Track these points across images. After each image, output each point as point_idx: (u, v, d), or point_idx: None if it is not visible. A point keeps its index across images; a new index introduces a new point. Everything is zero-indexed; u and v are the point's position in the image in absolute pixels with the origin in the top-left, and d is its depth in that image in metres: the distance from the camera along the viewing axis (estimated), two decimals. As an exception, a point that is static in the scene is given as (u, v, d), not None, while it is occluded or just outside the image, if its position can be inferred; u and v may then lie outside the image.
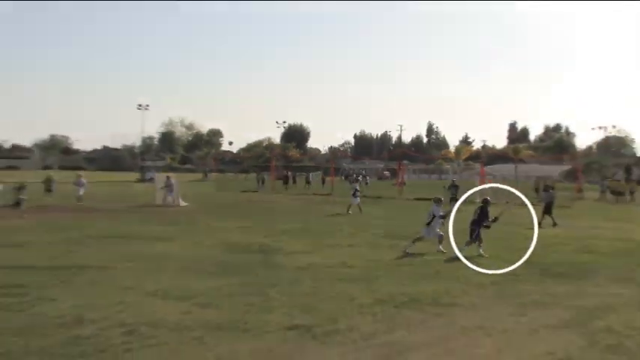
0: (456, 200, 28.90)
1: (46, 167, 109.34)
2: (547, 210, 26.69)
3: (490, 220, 17.25)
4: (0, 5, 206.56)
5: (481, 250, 16.83)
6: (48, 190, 38.92)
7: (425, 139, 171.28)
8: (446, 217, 19.31)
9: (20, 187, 30.41)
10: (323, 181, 64.70)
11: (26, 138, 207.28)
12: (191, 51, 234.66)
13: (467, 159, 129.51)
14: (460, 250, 16.81)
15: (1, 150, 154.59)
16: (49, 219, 25.46)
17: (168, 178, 36.54)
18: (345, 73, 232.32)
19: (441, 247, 17.52)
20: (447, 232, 19.42)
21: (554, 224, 25.49)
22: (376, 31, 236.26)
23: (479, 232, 17.10)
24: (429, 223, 17.86)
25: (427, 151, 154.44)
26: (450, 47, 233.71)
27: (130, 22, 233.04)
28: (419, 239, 17.68)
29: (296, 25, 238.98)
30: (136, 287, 11.77)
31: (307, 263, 14.88)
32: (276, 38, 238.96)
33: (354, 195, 31.16)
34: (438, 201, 18.34)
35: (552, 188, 31.09)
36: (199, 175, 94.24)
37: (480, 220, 17.26)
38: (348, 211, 30.24)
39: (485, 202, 17.67)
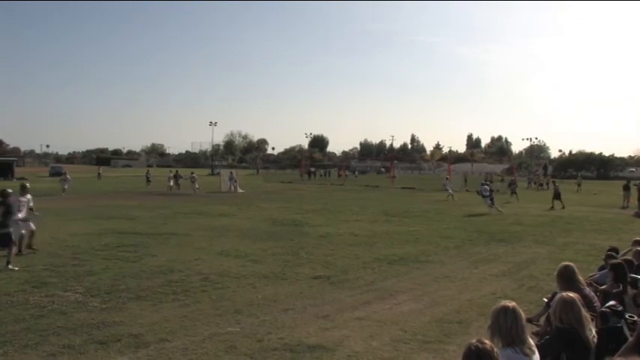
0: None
1: (149, 166, 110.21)
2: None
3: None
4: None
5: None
6: (147, 180, 39.47)
7: (409, 146, 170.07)
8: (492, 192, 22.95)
9: (191, 178, 32.51)
10: (339, 175, 65.49)
11: (137, 145, 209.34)
12: (245, 81, 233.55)
13: (438, 160, 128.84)
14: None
15: (121, 154, 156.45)
16: (149, 200, 25.79)
17: (231, 172, 36.75)
18: (354, 99, 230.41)
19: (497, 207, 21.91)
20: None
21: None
22: (373, 68, 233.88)
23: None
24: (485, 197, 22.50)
25: (411, 154, 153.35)
26: (428, 80, 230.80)
27: (206, 65, 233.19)
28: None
29: (320, 68, 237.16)
30: (208, 248, 11.94)
31: (326, 232, 14.94)
32: (304, 76, 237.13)
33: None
34: (483, 184, 23.91)
35: (491, 182, 31.24)
36: (252, 171, 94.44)
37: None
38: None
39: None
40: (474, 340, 2.75)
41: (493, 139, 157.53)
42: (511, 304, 3.21)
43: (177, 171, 39.76)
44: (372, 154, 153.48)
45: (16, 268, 9.14)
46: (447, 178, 31.14)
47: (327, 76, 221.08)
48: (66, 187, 27.45)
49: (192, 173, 35.76)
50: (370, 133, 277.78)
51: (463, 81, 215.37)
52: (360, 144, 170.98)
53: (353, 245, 12.78)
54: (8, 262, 9.22)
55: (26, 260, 9.97)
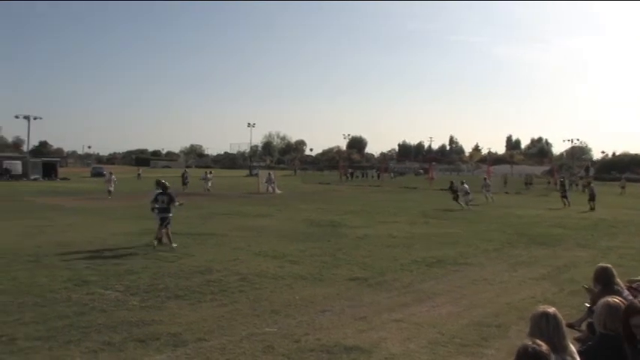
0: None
1: (187, 167, 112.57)
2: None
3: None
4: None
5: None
6: (184, 183, 40.20)
7: (448, 147, 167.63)
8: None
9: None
10: (379, 176, 65.54)
11: (176, 146, 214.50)
12: (284, 82, 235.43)
13: (477, 161, 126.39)
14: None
15: (160, 155, 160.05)
16: (187, 201, 26.27)
17: (269, 174, 37.06)
18: (392, 100, 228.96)
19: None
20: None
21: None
22: (415, 69, 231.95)
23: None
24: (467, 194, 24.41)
25: (449, 155, 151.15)
26: (467, 80, 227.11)
27: (244, 65, 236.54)
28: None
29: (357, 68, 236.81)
30: (246, 249, 12.06)
31: (364, 234, 14.89)
32: (341, 77, 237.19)
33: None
34: (462, 183, 25.28)
35: (530, 183, 30.85)
36: (290, 172, 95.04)
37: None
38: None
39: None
40: (529, 341, 2.66)
41: (533, 141, 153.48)
42: (551, 309, 3.11)
43: (185, 171, 41.34)
44: (411, 155, 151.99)
45: (175, 245, 11.87)
46: (485, 179, 30.49)
47: (365, 77, 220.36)
48: (111, 188, 28.07)
49: (207, 173, 36.55)
50: (408, 135, 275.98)
51: (503, 81, 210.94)
52: (398, 145, 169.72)
53: (391, 247, 12.69)
54: (170, 240, 11.97)
55: (68, 260, 10.22)
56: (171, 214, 12.38)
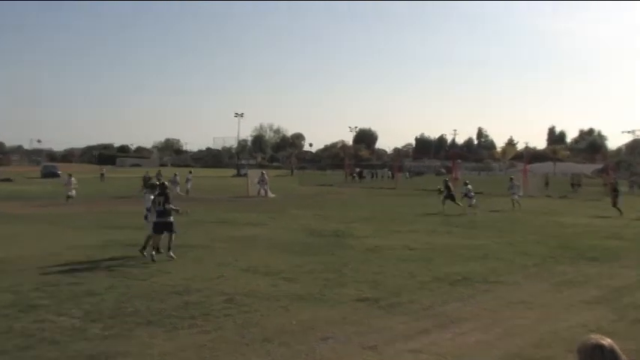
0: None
1: (162, 165, 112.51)
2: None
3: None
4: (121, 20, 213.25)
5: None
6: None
7: (475, 142, 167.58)
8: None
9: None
10: (392, 176, 65.84)
11: (147, 140, 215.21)
12: (277, 64, 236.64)
13: (512, 158, 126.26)
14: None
15: (128, 151, 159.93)
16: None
17: (262, 174, 37.08)
18: (407, 86, 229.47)
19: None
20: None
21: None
22: (436, 50, 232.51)
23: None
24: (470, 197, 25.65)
25: (477, 151, 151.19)
26: (497, 60, 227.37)
27: (226, 45, 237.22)
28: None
29: (365, 45, 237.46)
30: (233, 263, 12.02)
31: (374, 246, 14.84)
32: (349, 57, 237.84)
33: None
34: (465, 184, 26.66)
35: (579, 185, 30.84)
36: (286, 172, 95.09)
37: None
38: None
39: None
40: (593, 335, 2.70)
41: (582, 133, 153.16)
42: (607, 340, 3.03)
43: (159, 171, 42.13)
44: (430, 151, 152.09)
45: (172, 255, 12.32)
46: (511, 179, 30.29)
47: (373, 58, 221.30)
48: (71, 193, 27.97)
49: (176, 174, 36.50)
50: (427, 127, 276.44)
51: (544, 60, 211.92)
52: (416, 139, 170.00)
53: (407, 261, 12.65)
54: (169, 249, 12.44)
55: (11, 281, 10.05)
56: (172, 219, 12.85)
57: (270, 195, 35.30)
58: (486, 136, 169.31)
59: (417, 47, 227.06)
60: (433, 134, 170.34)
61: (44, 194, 33.58)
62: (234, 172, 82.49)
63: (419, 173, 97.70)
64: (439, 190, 28.21)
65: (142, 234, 16.29)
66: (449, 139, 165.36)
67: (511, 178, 30.40)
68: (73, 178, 28.81)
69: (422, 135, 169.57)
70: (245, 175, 45.45)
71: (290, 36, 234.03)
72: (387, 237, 16.73)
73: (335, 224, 19.72)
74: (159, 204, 12.80)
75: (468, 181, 27.91)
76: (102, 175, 56.76)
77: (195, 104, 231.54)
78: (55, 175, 62.00)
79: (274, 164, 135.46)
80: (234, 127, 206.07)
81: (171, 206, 12.97)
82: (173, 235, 12.70)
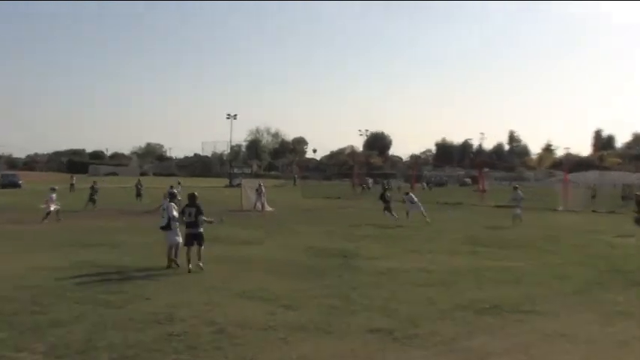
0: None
1: (143, 174, 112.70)
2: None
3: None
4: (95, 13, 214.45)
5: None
6: (138, 194, 40.48)
7: (506, 147, 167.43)
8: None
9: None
10: (410, 188, 65.36)
11: (125, 145, 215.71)
12: (275, 60, 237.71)
13: (549, 167, 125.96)
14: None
15: (103, 157, 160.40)
16: (142, 221, 26.27)
17: (260, 185, 37.01)
18: (426, 82, 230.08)
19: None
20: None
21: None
22: (456, 39, 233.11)
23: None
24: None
25: (508, 158, 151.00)
26: (532, 51, 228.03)
27: (216, 31, 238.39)
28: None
29: (378, 30, 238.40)
30: (223, 288, 11.99)
31: (387, 268, 14.81)
32: (356, 46, 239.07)
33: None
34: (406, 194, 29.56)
35: (631, 198, 30.60)
36: (286, 182, 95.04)
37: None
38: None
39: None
40: None
41: (637, 137, 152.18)
42: None
43: (139, 180, 43.20)
44: (453, 158, 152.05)
45: (202, 265, 13.88)
46: (515, 188, 29.98)
47: (386, 53, 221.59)
48: (53, 208, 27.60)
49: (179, 184, 36.39)
50: (450, 130, 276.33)
51: (588, 53, 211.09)
52: (436, 145, 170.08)
53: (425, 286, 12.62)
54: (200, 259, 13.99)
55: None
56: (202, 230, 14.38)
57: (268, 209, 35.30)
58: (519, 140, 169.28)
59: (436, 40, 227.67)
60: (456, 139, 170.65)
61: (3, 207, 33.58)
62: (226, 181, 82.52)
63: (440, 184, 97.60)
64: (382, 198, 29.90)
65: (116, 255, 16.38)
66: (475, 144, 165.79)
67: (515, 187, 30.10)
68: (54, 194, 28.55)
69: (443, 140, 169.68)
70: (239, 185, 45.41)
71: (290, 28, 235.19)
72: (402, 258, 16.72)
73: (342, 243, 19.74)
74: (189, 215, 14.32)
75: (517, 185, 27.96)
76: (71, 185, 55.84)
77: (181, 104, 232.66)
78: (15, 185, 61.58)
79: (272, 173, 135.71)
80: (226, 131, 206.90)
81: (205, 218, 14.53)
82: (202, 247, 14.22)
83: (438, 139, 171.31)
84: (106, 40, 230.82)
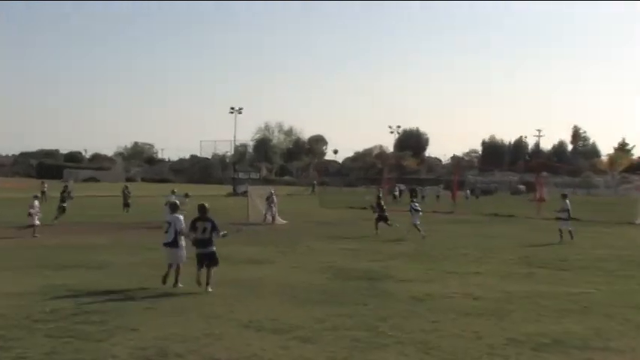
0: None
1: (129, 179, 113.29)
2: None
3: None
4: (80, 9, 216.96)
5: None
6: (126, 204, 40.59)
7: (569, 147, 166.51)
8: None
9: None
10: (452, 196, 64.86)
11: (109, 145, 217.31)
12: (288, 46, 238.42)
13: (624, 170, 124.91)
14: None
15: (81, 159, 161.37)
16: (127, 237, 26.39)
17: (271, 193, 36.96)
18: (469, 69, 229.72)
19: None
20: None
21: None
22: (510, 17, 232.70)
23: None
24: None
25: (572, 160, 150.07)
26: (599, 29, 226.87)
27: (219, 9, 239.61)
28: None
29: (407, 16, 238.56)
30: (227, 317, 12.00)
31: (424, 293, 14.78)
32: (386, 30, 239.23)
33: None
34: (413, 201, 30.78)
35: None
36: (302, 188, 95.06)
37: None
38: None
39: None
40: None
41: None
42: None
43: (126, 186, 44.02)
44: (504, 160, 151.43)
45: (210, 290, 14.40)
46: (564, 196, 29.62)
47: (419, 35, 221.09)
48: (36, 222, 27.72)
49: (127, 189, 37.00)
50: (500, 127, 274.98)
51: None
52: (483, 144, 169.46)
53: (470, 315, 12.59)
54: (208, 283, 14.52)
55: None
56: (214, 248, 14.88)
57: (280, 221, 35.34)
58: (585, 138, 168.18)
59: (480, 19, 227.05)
60: (508, 137, 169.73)
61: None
62: (229, 189, 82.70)
63: (487, 191, 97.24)
64: (371, 206, 31.88)
65: (98, 277, 16.44)
66: (531, 143, 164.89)
67: (564, 196, 29.79)
68: (37, 202, 28.80)
69: (492, 138, 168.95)
70: (245, 193, 45.46)
71: (304, 11, 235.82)
72: (442, 281, 16.71)
73: (368, 262, 19.77)
74: (203, 231, 14.73)
75: (566, 193, 27.84)
76: (43, 193, 55.55)
77: (175, 96, 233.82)
78: None
79: (285, 178, 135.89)
80: (229, 128, 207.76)
81: (222, 233, 15.09)
82: (214, 268, 14.71)
83: (485, 137, 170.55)
84: (85, 27, 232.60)
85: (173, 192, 35.84)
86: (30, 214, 27.32)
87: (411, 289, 15.23)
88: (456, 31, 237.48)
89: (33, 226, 26.92)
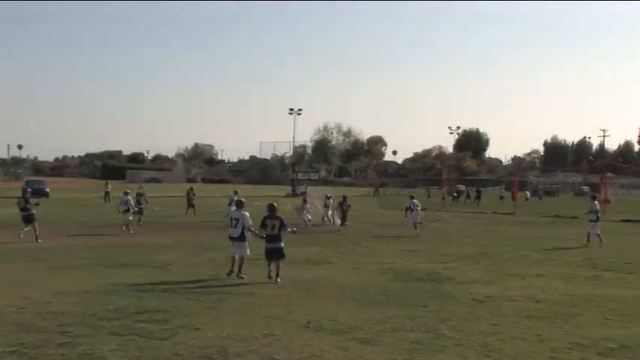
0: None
1: (190, 180, 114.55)
2: None
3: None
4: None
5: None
6: (190, 205, 41.02)
7: (636, 147, 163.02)
8: None
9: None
10: (513, 197, 64.16)
11: (169, 146, 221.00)
12: (348, 47, 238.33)
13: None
14: None
15: (143, 160, 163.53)
16: (190, 237, 26.66)
17: (327, 197, 37.03)
18: (530, 66, 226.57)
19: None
20: None
21: None
22: (575, 15, 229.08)
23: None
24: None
25: (639, 161, 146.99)
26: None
27: (278, 16, 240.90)
28: None
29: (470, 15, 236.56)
30: (286, 317, 12.03)
31: (485, 295, 14.65)
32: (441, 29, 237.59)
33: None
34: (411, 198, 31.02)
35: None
36: (363, 190, 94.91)
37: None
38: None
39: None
40: None
41: None
42: None
43: (191, 188, 44.14)
44: (566, 161, 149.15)
45: (279, 281, 15.72)
46: (594, 198, 28.67)
47: (481, 34, 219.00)
48: (130, 217, 28.65)
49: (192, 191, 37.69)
50: (563, 127, 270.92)
51: None
52: (545, 145, 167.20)
53: (532, 318, 12.42)
54: (277, 275, 15.87)
55: None
56: (282, 244, 16.25)
57: (338, 223, 35.37)
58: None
59: (551, 13, 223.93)
60: (571, 137, 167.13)
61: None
62: (288, 189, 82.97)
63: (550, 192, 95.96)
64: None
65: (160, 277, 16.67)
66: (595, 143, 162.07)
67: (594, 197, 28.88)
68: (129, 197, 29.58)
69: (554, 138, 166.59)
70: (303, 194, 45.61)
71: (364, 9, 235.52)
72: (503, 283, 16.53)
73: (429, 264, 19.66)
74: (272, 228, 16.04)
75: (596, 194, 27.46)
76: (106, 193, 55.38)
77: (235, 98, 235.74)
78: (42, 193, 60.18)
79: (344, 179, 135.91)
80: (288, 129, 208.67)
81: (289, 229, 16.74)
82: (282, 261, 16.13)
83: (548, 137, 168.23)
84: (148, 30, 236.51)
85: (236, 192, 36.36)
86: (127, 210, 28.39)
87: (471, 291, 15.12)
88: (517, 29, 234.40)
89: (127, 222, 27.96)
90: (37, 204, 26.62)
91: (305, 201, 35.71)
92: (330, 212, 35.93)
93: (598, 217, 27.41)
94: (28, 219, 24.66)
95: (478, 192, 68.55)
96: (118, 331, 10.73)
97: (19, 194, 27.16)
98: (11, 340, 10.11)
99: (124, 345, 9.90)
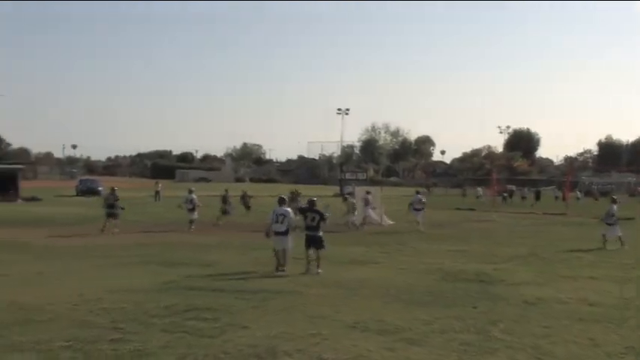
0: None
1: (238, 180, 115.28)
2: None
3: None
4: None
5: None
6: (247, 206, 41.16)
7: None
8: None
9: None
10: (563, 198, 63.35)
11: (219, 146, 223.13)
12: (395, 47, 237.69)
13: None
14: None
15: (192, 159, 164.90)
16: (237, 237, 26.82)
17: (367, 193, 36.87)
18: (581, 65, 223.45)
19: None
20: None
21: None
22: (625, 14, 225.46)
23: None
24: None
25: None
26: None
27: (324, 16, 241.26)
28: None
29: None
30: (333, 317, 12.02)
31: (536, 297, 14.48)
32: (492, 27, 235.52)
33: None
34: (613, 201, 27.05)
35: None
36: (408, 190, 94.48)
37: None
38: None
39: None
40: None
41: None
42: None
43: (245, 191, 44.41)
44: (621, 161, 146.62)
45: (320, 271, 17.04)
46: (613, 200, 27.59)
47: (531, 34, 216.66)
48: (195, 215, 29.76)
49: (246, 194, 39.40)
50: (618, 125, 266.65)
51: None
52: (599, 144, 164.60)
53: (585, 321, 12.24)
54: (318, 266, 17.29)
55: (34, 335, 10.39)
56: (322, 234, 17.68)
57: (388, 222, 35.27)
58: None
59: (602, 12, 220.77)
60: (626, 136, 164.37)
61: (81, 219, 35.02)
62: (335, 189, 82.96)
63: (604, 193, 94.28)
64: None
65: (208, 275, 16.81)
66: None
67: (613, 200, 27.80)
68: (194, 195, 30.22)
69: (608, 138, 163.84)
70: (351, 194, 45.55)
71: (414, 8, 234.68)
72: (555, 285, 16.32)
73: (478, 264, 19.51)
74: (312, 219, 17.59)
75: (616, 197, 26.96)
76: (157, 193, 56.27)
77: (282, 98, 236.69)
78: (94, 192, 61.39)
79: (392, 179, 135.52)
80: (336, 129, 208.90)
81: (327, 214, 18.04)
82: (322, 251, 17.58)
83: (602, 136, 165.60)
84: (194, 32, 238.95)
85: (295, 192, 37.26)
86: (192, 209, 28.96)
87: (522, 293, 14.95)
88: (569, 28, 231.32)
89: (192, 220, 28.49)
90: (123, 208, 29.78)
91: (367, 199, 35.66)
92: (369, 211, 35.48)
93: (616, 220, 26.61)
94: (114, 216, 28.45)
95: (537, 192, 68.18)
96: (168, 329, 10.88)
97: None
98: (66, 336, 10.27)
99: (174, 342, 10.04)
